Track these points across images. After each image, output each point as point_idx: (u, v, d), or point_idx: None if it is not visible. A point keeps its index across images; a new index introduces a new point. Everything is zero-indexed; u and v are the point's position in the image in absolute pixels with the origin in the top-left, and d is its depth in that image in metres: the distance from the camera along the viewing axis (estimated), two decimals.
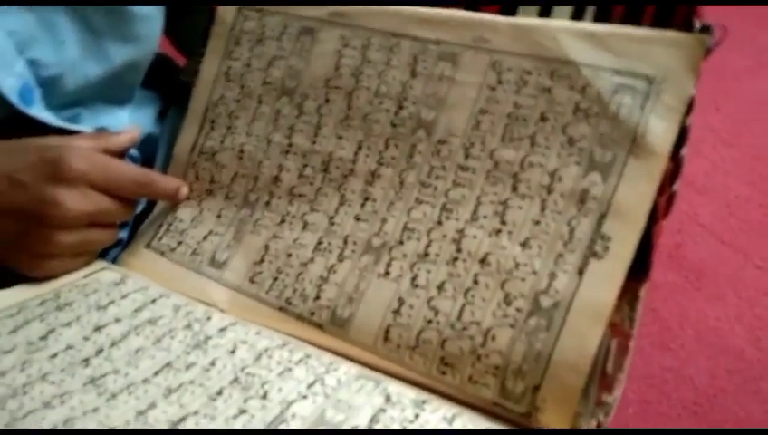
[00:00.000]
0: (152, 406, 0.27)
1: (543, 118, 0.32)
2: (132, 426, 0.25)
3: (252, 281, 0.37)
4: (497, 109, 0.33)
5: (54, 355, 0.30)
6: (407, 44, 0.36)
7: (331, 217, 0.36)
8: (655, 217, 0.29)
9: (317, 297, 0.35)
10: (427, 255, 0.33)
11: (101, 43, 0.40)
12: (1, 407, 0.25)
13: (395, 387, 0.30)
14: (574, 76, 0.31)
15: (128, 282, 0.37)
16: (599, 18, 0.33)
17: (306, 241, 0.36)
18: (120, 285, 0.36)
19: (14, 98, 0.35)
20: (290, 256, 0.36)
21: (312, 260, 0.36)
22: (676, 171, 0.30)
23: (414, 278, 0.33)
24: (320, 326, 0.34)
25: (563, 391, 0.28)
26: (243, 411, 0.27)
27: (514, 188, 0.32)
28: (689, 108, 0.29)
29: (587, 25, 0.32)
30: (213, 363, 0.30)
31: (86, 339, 0.31)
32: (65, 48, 0.38)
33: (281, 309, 0.35)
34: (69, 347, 0.30)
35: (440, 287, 0.32)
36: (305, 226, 0.37)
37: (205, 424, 0.26)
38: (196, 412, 0.27)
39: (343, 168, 0.36)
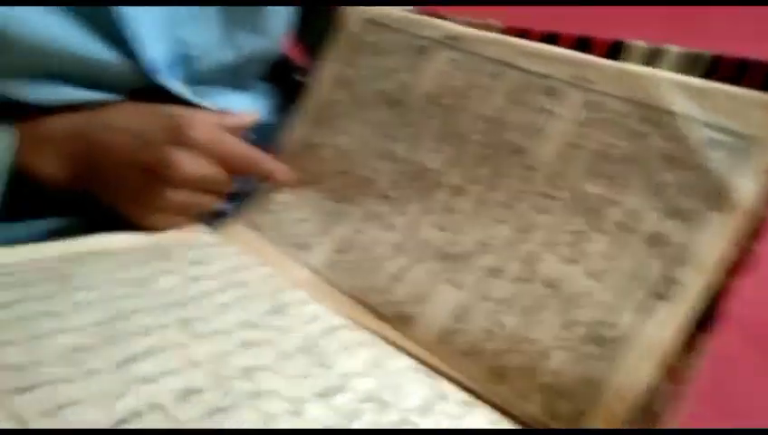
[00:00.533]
0: (229, 353, 0.30)
1: (631, 160, 0.33)
2: (208, 366, 0.29)
3: (331, 268, 0.40)
4: (587, 145, 0.34)
5: (155, 295, 0.34)
6: (513, 74, 0.38)
7: (414, 222, 0.38)
8: (731, 273, 0.29)
9: (388, 292, 0.37)
10: (497, 270, 0.35)
11: (237, 32, 0.45)
12: (111, 324, 0.29)
13: (448, 386, 0.32)
14: (669, 125, 0.32)
15: (224, 247, 0.41)
16: (706, 74, 0.34)
17: (387, 240, 0.39)
18: (216, 247, 0.41)
19: (158, 68, 0.41)
20: (369, 251, 0.39)
21: (389, 259, 0.38)
22: (758, 232, 0.30)
23: (481, 290, 0.34)
24: (386, 319, 0.36)
25: (608, 420, 0.29)
26: (306, 375, 0.30)
27: (592, 222, 0.33)
28: None
29: (691, 79, 0.33)
30: (288, 329, 0.33)
31: (182, 286, 0.35)
32: (209, 32, 0.43)
33: (353, 297, 0.38)
34: (167, 290, 0.34)
35: (505, 302, 0.33)
36: (388, 226, 0.39)
37: (270, 376, 0.29)
38: (265, 366, 0.30)
39: (433, 179, 0.39)
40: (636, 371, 0.29)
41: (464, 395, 0.31)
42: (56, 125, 0.39)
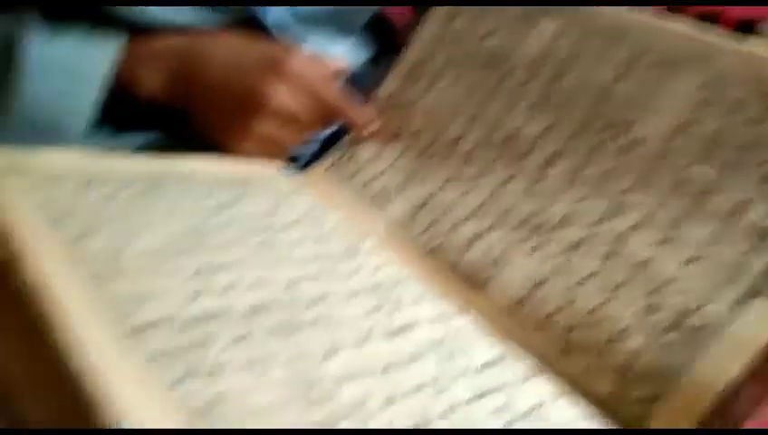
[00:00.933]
0: (301, 280, 0.30)
1: (746, 148, 0.31)
2: (280, 288, 0.29)
3: (408, 223, 0.39)
4: (699, 127, 0.32)
5: (236, 218, 0.34)
6: (626, 46, 0.36)
7: (499, 186, 0.37)
8: None
9: (464, 253, 0.36)
10: (581, 245, 0.33)
11: None
12: (193, 235, 0.30)
13: (513, 351, 0.31)
14: None
15: (302, 189, 0.41)
16: None
17: (468, 202, 0.38)
18: (295, 189, 0.41)
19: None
20: (449, 210, 0.38)
21: (468, 219, 0.37)
22: None
23: (561, 263, 0.33)
24: (457, 278, 0.36)
25: (682, 410, 0.27)
26: (373, 313, 0.29)
27: (695, 207, 0.31)
28: None
29: None
30: (359, 270, 0.33)
31: (262, 215, 0.36)
32: None
33: (427, 253, 0.37)
34: (248, 216, 0.35)
35: (586, 278, 0.32)
36: (471, 188, 0.38)
37: (338, 308, 0.29)
38: (334, 298, 0.30)
39: (525, 146, 0.38)
40: (720, 366, 0.27)
41: (529, 362, 0.30)
42: (161, 44, 0.40)
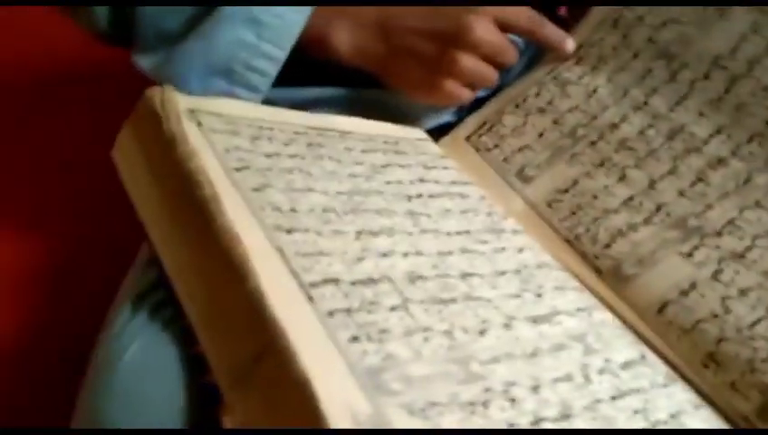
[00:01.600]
0: (450, 253, 0.31)
1: None
2: (431, 258, 0.30)
3: (550, 205, 0.39)
4: None
5: (388, 182, 0.35)
6: None
7: (654, 181, 0.36)
8: None
9: (607, 245, 0.36)
10: (742, 256, 0.32)
11: None
12: (351, 197, 0.32)
13: (652, 356, 0.31)
14: None
15: (449, 160, 0.42)
16: None
17: (618, 192, 0.37)
18: (443, 158, 0.41)
19: None
20: (596, 198, 0.37)
21: (616, 211, 0.36)
22: None
23: (718, 271, 0.32)
24: (599, 272, 0.35)
25: None
26: (518, 296, 0.30)
27: None
28: None
29: None
30: (503, 249, 0.33)
31: (411, 182, 0.36)
32: None
33: (567, 241, 0.37)
34: (399, 182, 0.36)
35: (743, 291, 0.31)
36: (623, 177, 0.37)
37: (485, 286, 0.29)
38: (481, 276, 0.30)
39: (690, 143, 0.36)
40: None
41: (669, 369, 0.30)
42: (351, 8, 0.41)
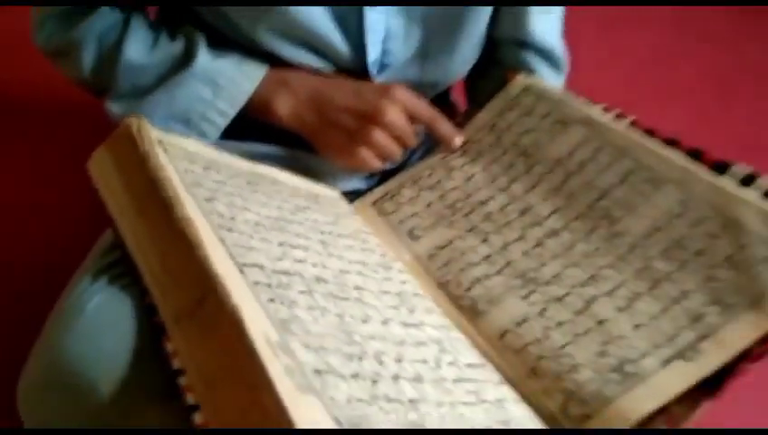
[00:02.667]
0: (347, 272, 0.40)
1: (701, 253, 0.41)
2: (333, 272, 0.39)
3: (429, 258, 0.49)
4: (670, 232, 0.42)
5: (307, 219, 0.45)
6: (628, 162, 0.47)
7: (506, 244, 0.47)
8: (746, 358, 0.36)
9: (468, 289, 0.46)
10: (561, 300, 0.43)
11: (428, 60, 0.57)
12: (282, 226, 0.41)
13: (491, 365, 0.40)
14: (739, 236, 0.40)
15: (354, 214, 0.52)
16: None
17: (480, 250, 0.48)
18: (353, 214, 0.52)
19: (373, 69, 0.54)
20: (464, 254, 0.48)
21: (477, 264, 0.47)
22: None
23: (543, 310, 0.43)
24: (461, 308, 0.45)
25: (606, 427, 0.36)
26: (395, 308, 0.39)
27: (651, 289, 0.41)
28: None
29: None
30: (389, 278, 0.43)
31: (326, 223, 0.46)
32: (408, 51, 0.55)
33: (439, 284, 0.47)
34: (315, 220, 0.45)
35: (559, 324, 0.42)
36: (485, 240, 0.48)
37: (371, 297, 0.39)
38: (370, 291, 0.39)
39: (535, 218, 0.48)
40: (641, 402, 0.36)
41: (502, 376, 0.40)
42: (297, 76, 0.52)
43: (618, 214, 0.45)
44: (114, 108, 0.50)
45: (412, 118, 0.53)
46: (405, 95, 0.52)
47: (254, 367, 0.25)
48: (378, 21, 0.52)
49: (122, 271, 0.36)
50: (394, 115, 0.51)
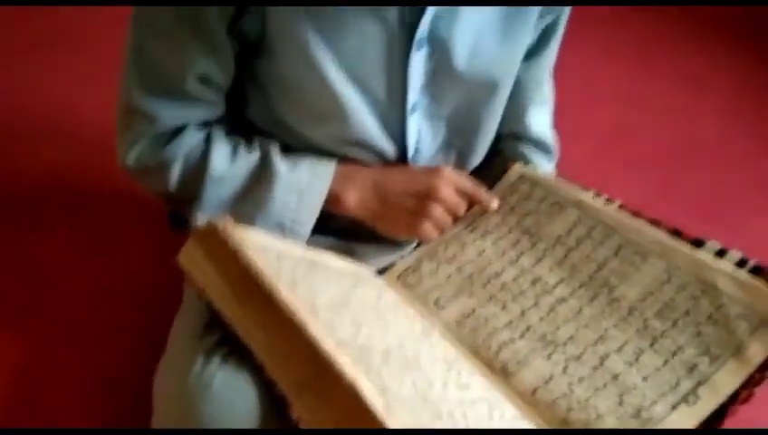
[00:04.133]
0: (404, 343, 0.47)
1: (687, 313, 0.50)
2: (394, 346, 0.46)
3: (457, 325, 0.57)
4: (660, 296, 0.51)
5: (355, 297, 0.51)
6: (618, 237, 0.56)
7: (524, 311, 0.55)
8: (735, 400, 0.44)
9: (498, 352, 0.53)
10: (578, 358, 0.51)
11: (450, 149, 0.67)
12: (345, 307, 0.47)
13: (525, 417, 0.47)
14: (717, 298, 0.49)
15: (392, 288, 0.59)
16: (751, 270, 0.50)
17: (501, 318, 0.56)
18: (389, 286, 0.59)
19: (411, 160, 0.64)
20: (487, 321, 0.56)
21: (500, 330, 0.55)
22: (760, 381, 0.45)
23: (565, 368, 0.50)
24: (493, 369, 0.52)
25: None
26: (446, 371, 0.46)
27: (651, 344, 0.49)
28: None
29: (739, 272, 0.50)
30: (433, 346, 0.50)
31: (369, 298, 0.53)
32: (434, 143, 0.65)
33: (471, 350, 0.54)
34: (361, 297, 0.52)
35: (580, 380, 0.49)
36: (504, 307, 0.56)
37: (424, 364, 0.45)
38: (423, 358, 0.46)
39: (544, 288, 0.56)
40: None
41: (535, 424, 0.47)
42: (359, 170, 0.61)
43: (615, 282, 0.54)
44: (201, 219, 0.56)
45: (459, 190, 0.63)
46: (452, 173, 0.62)
47: (374, 423, 0.31)
48: (413, 125, 0.61)
49: (230, 349, 0.42)
50: (447, 191, 0.61)
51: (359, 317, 0.46)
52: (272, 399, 0.36)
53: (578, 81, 1.42)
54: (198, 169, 0.56)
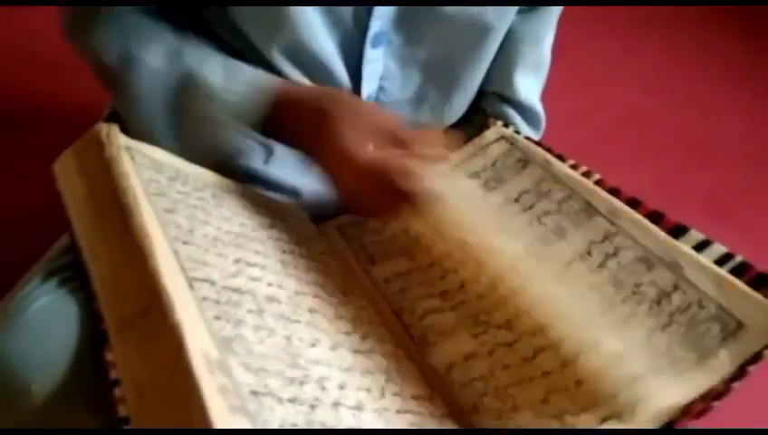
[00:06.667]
0: (304, 294, 0.40)
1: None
2: (287, 296, 0.39)
3: (385, 282, 0.50)
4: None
5: (269, 237, 0.45)
6: (576, 200, 0.49)
7: (462, 284, 0.48)
8: (686, 412, 0.37)
9: (422, 317, 0.46)
10: (510, 345, 0.43)
11: (422, 103, 0.59)
12: (241, 243, 0.41)
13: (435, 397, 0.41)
14: (693, 295, 0.41)
15: (322, 237, 0.52)
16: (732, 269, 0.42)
17: (437, 286, 0.48)
18: (318, 235, 0.52)
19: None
20: (420, 285, 0.49)
21: (432, 297, 0.48)
22: (721, 395, 0.37)
23: (492, 350, 0.43)
24: (412, 338, 0.46)
25: None
26: (347, 334, 0.40)
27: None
28: (754, 359, 0.37)
29: (718, 270, 0.41)
30: (346, 304, 0.43)
31: (287, 242, 0.46)
32: (404, 90, 0.57)
33: (394, 312, 0.48)
34: (278, 239, 0.46)
35: (505, 366, 0.42)
36: (443, 277, 0.49)
37: (324, 316, 0.39)
38: (323, 314, 0.40)
39: (504, 263, 0.49)
40: None
41: (445, 410, 0.40)
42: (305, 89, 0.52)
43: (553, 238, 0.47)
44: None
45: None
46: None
47: (188, 384, 0.25)
48: (375, 58, 0.53)
49: (73, 274, 0.36)
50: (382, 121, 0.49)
51: (251, 258, 0.40)
52: (93, 337, 0.30)
53: (600, 62, 1.32)
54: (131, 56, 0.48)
